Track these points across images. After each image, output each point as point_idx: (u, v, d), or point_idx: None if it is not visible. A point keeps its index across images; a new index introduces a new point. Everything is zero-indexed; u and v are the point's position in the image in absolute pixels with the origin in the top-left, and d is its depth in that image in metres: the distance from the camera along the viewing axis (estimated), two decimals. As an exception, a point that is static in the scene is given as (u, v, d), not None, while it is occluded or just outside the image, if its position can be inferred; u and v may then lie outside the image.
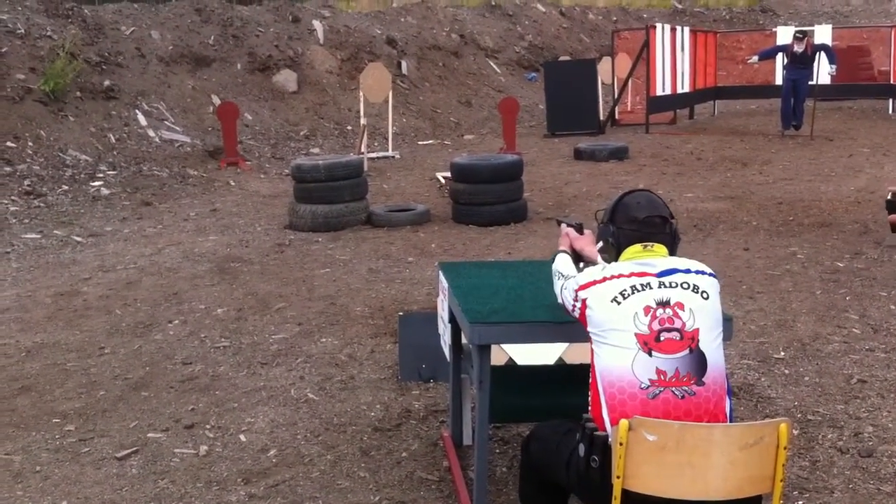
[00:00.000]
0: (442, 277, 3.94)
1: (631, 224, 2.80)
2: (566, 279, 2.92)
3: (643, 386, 2.57)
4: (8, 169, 11.04)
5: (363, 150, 13.35)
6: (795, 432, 4.17)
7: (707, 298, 2.67)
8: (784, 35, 19.08)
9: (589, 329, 2.73)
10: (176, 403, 4.79)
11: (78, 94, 13.08)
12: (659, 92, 17.49)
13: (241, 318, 6.26)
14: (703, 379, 2.58)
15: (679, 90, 18.40)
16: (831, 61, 15.59)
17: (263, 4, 19.14)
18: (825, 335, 5.56)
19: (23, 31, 13.30)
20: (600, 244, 2.95)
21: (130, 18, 15.71)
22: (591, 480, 2.59)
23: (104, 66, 13.96)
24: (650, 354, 2.58)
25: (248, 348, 5.63)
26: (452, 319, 3.78)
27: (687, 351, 2.59)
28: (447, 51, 20.85)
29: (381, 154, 14.51)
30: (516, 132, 14.96)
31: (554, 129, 17.02)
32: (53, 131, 12.17)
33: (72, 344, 5.86)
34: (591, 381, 2.73)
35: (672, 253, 2.83)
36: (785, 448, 2.49)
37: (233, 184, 12.24)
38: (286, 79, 16.70)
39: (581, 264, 3.11)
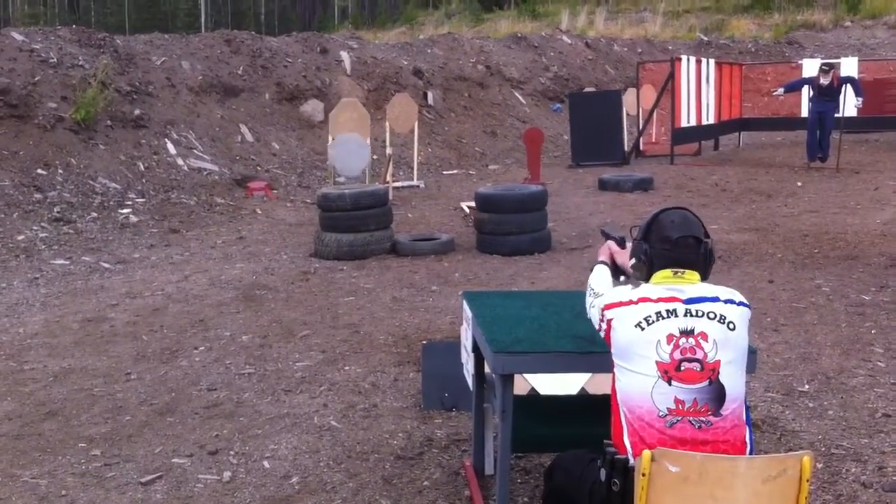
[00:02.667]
0: (466, 307, 3.96)
1: (664, 244, 2.78)
2: (596, 297, 2.91)
3: (661, 414, 2.59)
4: (38, 196, 11.20)
5: (388, 179, 13.44)
6: (819, 466, 4.14)
7: (733, 329, 2.64)
8: (810, 67, 19.07)
9: (612, 351, 2.74)
10: (200, 429, 4.82)
11: (108, 122, 13.26)
12: (684, 123, 17.50)
13: (265, 346, 6.31)
14: (721, 411, 2.59)
15: (704, 122, 18.39)
16: (857, 94, 15.54)
17: (292, 36, 19.38)
18: (850, 368, 5.53)
19: (55, 60, 13.53)
20: (633, 261, 2.91)
21: (161, 49, 15.94)
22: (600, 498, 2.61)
23: (135, 96, 14.16)
24: (669, 383, 2.59)
25: (273, 375, 5.67)
26: (476, 349, 3.80)
27: (707, 382, 2.59)
28: (473, 81, 20.98)
29: (406, 183, 14.59)
30: (541, 162, 15.00)
31: (578, 159, 17.05)
32: (83, 159, 12.34)
33: (98, 369, 5.92)
34: (612, 405, 2.74)
35: (705, 274, 2.81)
36: (808, 481, 2.49)
37: (259, 212, 12.34)
38: (313, 108, 16.86)
39: (621, 278, 3.10)
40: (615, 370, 2.73)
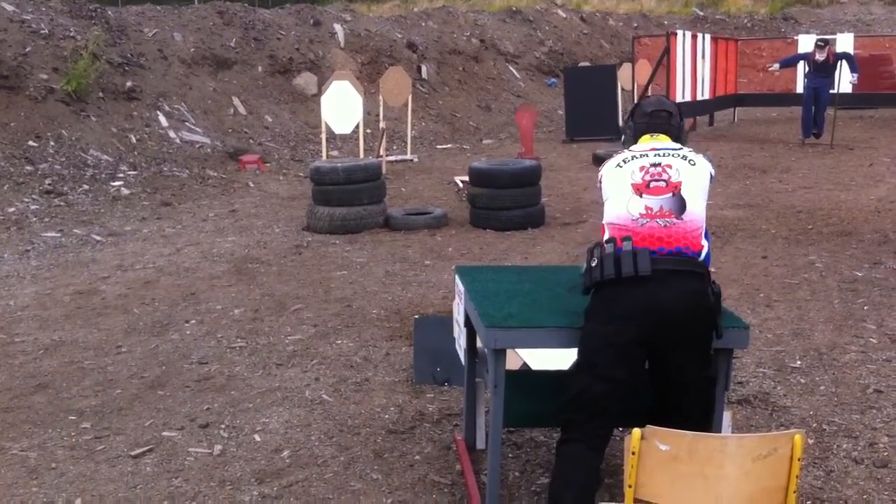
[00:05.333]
0: (458, 281, 3.95)
1: (642, 118, 3.56)
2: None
3: (634, 218, 3.22)
4: (29, 168, 11.13)
5: (382, 153, 13.38)
6: (810, 441, 4.14)
7: (693, 165, 3.32)
8: (805, 43, 18.97)
9: (604, 198, 3.39)
10: (191, 403, 4.81)
11: (100, 94, 13.16)
12: (679, 98, 17.36)
13: (257, 319, 6.29)
14: (683, 216, 3.20)
15: (699, 97, 18.28)
16: (853, 70, 15.50)
17: (285, 8, 19.22)
18: (842, 345, 5.53)
19: (46, 31, 13.40)
20: (623, 137, 3.67)
21: (153, 20, 15.81)
22: (594, 279, 3.15)
23: (126, 67, 14.05)
24: (641, 196, 3.25)
25: (264, 349, 5.66)
26: (468, 323, 3.78)
27: (670, 194, 3.23)
28: (467, 55, 20.86)
29: (399, 157, 14.53)
30: (535, 137, 14.95)
31: (573, 134, 17.00)
32: (75, 131, 12.25)
33: (89, 342, 5.90)
34: (601, 231, 3.37)
35: (677, 140, 3.50)
36: (799, 459, 2.48)
37: (252, 185, 12.29)
38: (306, 81, 16.76)
39: None
40: (604, 206, 3.38)
